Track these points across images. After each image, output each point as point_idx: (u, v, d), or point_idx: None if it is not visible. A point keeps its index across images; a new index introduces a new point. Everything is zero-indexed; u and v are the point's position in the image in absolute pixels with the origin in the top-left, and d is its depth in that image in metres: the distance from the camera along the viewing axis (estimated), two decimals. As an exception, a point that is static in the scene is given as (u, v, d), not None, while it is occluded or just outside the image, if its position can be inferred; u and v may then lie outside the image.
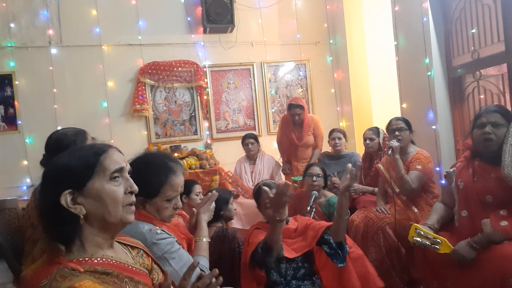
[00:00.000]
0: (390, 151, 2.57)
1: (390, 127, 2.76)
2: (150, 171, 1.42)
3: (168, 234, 1.45)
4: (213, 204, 1.74)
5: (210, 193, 1.76)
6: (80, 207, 0.94)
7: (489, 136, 1.88)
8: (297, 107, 3.68)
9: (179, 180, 1.46)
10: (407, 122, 2.74)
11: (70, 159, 0.97)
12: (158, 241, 1.39)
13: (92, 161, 0.97)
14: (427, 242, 1.96)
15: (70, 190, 0.93)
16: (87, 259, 0.93)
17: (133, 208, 1.04)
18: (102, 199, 0.96)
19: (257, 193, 2.04)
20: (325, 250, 1.80)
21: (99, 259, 0.95)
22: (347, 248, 1.78)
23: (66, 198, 0.92)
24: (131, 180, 1.04)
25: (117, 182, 1.00)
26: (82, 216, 0.94)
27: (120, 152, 1.07)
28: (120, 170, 1.01)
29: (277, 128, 4.80)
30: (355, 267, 1.88)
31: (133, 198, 1.04)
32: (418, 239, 1.98)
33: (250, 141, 3.86)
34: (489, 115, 1.92)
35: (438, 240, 1.94)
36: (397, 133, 2.67)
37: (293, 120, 3.76)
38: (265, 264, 1.77)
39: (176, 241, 1.46)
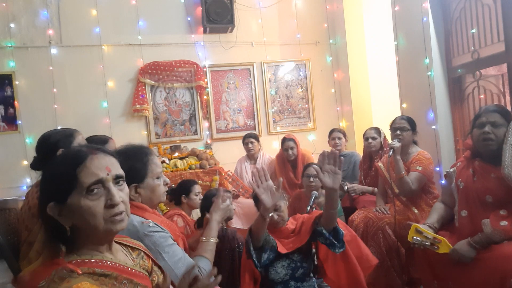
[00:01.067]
0: (391, 152, 2.56)
1: (393, 125, 2.75)
2: (133, 159, 1.49)
3: (161, 228, 1.46)
4: (227, 203, 1.72)
5: (219, 191, 1.76)
6: (65, 218, 0.93)
7: (489, 136, 1.89)
8: (290, 140, 3.58)
9: (157, 159, 1.61)
10: (411, 122, 2.71)
11: (51, 172, 0.95)
12: (150, 233, 1.41)
13: (68, 175, 0.92)
14: (426, 242, 1.96)
15: (53, 203, 0.92)
16: (86, 260, 0.93)
17: (120, 217, 0.97)
18: (80, 214, 0.92)
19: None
20: (321, 242, 1.81)
21: (98, 261, 0.94)
22: (342, 232, 1.79)
23: (51, 209, 0.92)
24: (113, 191, 0.95)
25: (95, 195, 0.93)
26: (68, 228, 0.93)
27: (110, 154, 1.01)
28: (98, 182, 0.93)
29: (277, 128, 4.82)
30: (350, 249, 1.91)
31: (116, 210, 0.95)
32: (418, 238, 1.99)
33: (250, 140, 3.87)
34: (488, 115, 1.92)
35: (437, 239, 1.95)
36: (398, 132, 2.67)
37: (287, 156, 3.61)
38: (259, 260, 1.79)
39: (170, 236, 1.47)
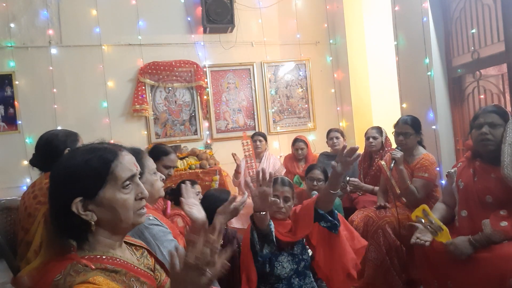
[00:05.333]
0: (393, 163, 2.51)
1: (396, 129, 2.69)
2: None
3: (160, 222, 1.48)
4: (234, 206, 1.64)
5: (234, 197, 1.68)
6: (92, 214, 0.94)
7: (486, 137, 1.89)
8: (301, 141, 3.84)
9: (149, 157, 1.67)
10: (414, 125, 2.63)
11: (80, 167, 0.94)
12: (150, 226, 1.42)
13: (103, 170, 0.94)
14: (428, 226, 1.97)
15: (81, 198, 0.92)
16: (98, 256, 0.94)
17: (144, 210, 1.03)
18: (113, 207, 0.95)
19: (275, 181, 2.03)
20: (322, 225, 1.81)
21: (109, 258, 0.96)
22: (336, 212, 1.82)
23: (77, 206, 0.92)
24: (142, 186, 1.02)
25: (128, 189, 0.98)
26: (93, 223, 0.94)
27: (130, 151, 1.05)
28: (132, 177, 0.99)
29: (277, 128, 4.82)
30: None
31: (143, 203, 1.03)
32: (422, 220, 1.99)
33: (259, 138, 3.93)
34: (486, 116, 1.93)
35: (440, 228, 1.95)
36: (401, 137, 2.62)
37: (296, 155, 3.85)
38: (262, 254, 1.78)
39: (170, 233, 1.49)
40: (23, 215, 1.81)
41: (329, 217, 1.76)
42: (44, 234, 1.60)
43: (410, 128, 2.62)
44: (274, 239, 1.76)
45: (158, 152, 2.48)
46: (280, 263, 1.83)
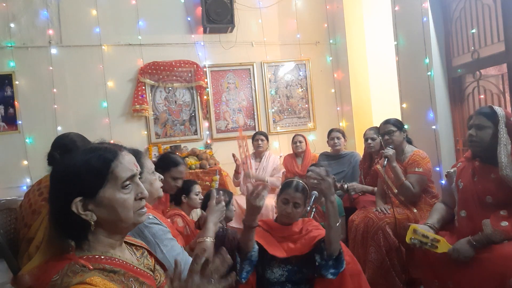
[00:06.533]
0: (386, 161, 2.54)
1: (380, 132, 2.77)
2: None
3: (159, 221, 1.49)
4: (222, 204, 1.73)
5: (212, 193, 1.76)
6: (91, 213, 0.93)
7: (472, 139, 1.93)
8: (299, 135, 3.97)
9: (148, 158, 1.66)
10: (395, 123, 2.70)
11: (80, 166, 0.94)
12: (149, 225, 1.43)
13: (103, 169, 0.94)
14: (425, 242, 1.97)
15: (81, 198, 0.92)
16: (96, 257, 0.94)
17: (144, 210, 1.03)
18: (113, 207, 0.95)
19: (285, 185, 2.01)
20: (316, 259, 1.77)
21: (107, 258, 0.96)
22: (344, 265, 1.73)
23: (77, 205, 0.92)
24: (142, 185, 1.02)
25: (128, 189, 0.98)
26: (93, 223, 0.94)
27: (129, 152, 1.05)
28: (132, 177, 0.99)
29: (277, 128, 4.82)
30: (352, 282, 1.82)
31: (143, 203, 1.02)
32: (416, 239, 1.99)
33: (260, 138, 3.95)
34: (475, 118, 1.97)
35: (436, 239, 1.95)
36: (386, 137, 2.67)
37: (295, 148, 3.91)
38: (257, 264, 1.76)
39: (169, 232, 1.49)
40: (27, 211, 1.81)
41: (325, 256, 1.71)
42: (46, 231, 1.61)
43: (391, 126, 2.69)
44: (254, 266, 1.75)
45: (168, 162, 2.35)
46: (270, 268, 1.81)
